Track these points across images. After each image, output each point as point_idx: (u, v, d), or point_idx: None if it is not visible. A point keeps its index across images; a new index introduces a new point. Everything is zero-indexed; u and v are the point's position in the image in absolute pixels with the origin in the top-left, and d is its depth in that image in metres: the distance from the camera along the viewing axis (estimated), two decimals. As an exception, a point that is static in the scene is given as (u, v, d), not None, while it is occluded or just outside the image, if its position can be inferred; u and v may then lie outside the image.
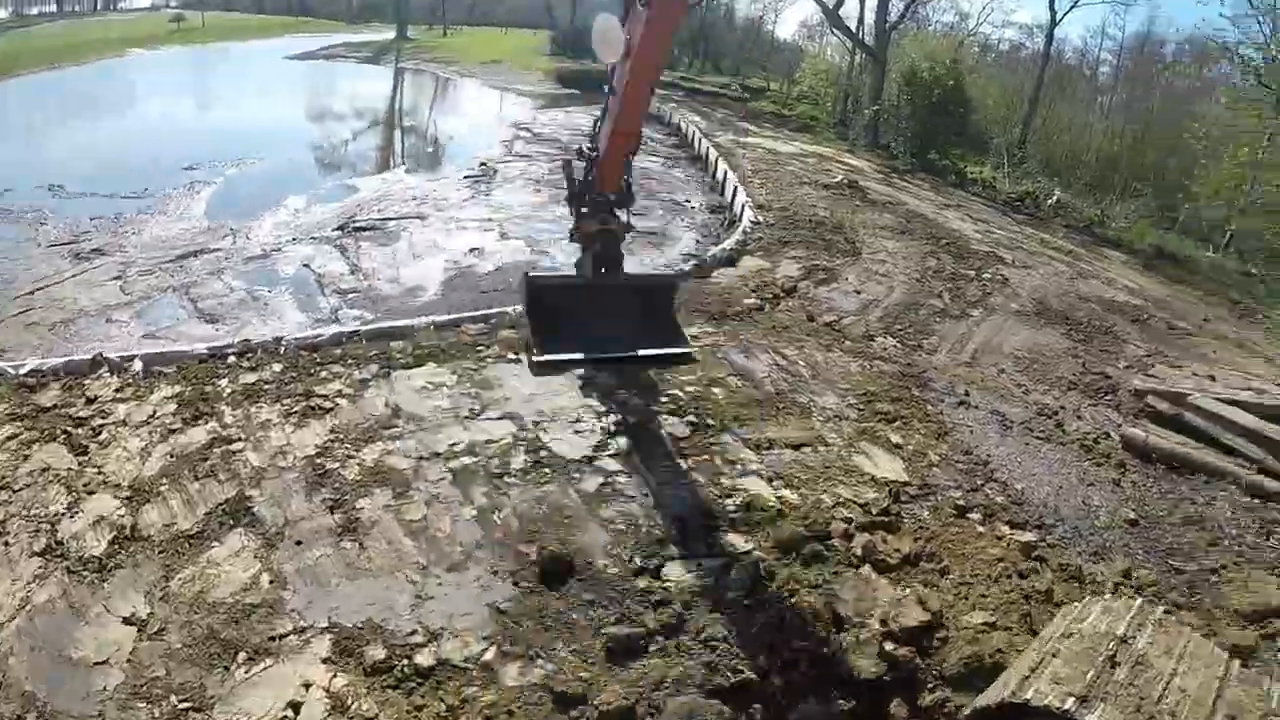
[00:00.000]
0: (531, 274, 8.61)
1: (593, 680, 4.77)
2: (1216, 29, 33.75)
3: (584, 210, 8.61)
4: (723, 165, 18.70)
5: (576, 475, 6.58)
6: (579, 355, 8.30)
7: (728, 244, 13.07)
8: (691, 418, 7.56)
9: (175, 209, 14.26)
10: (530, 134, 22.63)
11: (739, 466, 6.89)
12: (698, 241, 14.15)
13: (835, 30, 32.48)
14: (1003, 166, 26.04)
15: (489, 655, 4.85)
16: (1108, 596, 5.47)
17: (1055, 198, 22.41)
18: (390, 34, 52.45)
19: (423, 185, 16.85)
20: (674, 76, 35.12)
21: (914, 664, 5.13)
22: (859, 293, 11.62)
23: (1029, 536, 6.37)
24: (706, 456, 6.99)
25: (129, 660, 4.67)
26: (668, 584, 5.52)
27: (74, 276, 10.87)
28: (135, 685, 4.52)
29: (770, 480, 6.73)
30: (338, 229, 13.35)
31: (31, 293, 10.26)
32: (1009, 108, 29.56)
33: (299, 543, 5.63)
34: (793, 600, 5.43)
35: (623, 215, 8.59)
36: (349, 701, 4.49)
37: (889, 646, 5.19)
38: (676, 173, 19.95)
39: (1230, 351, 12.00)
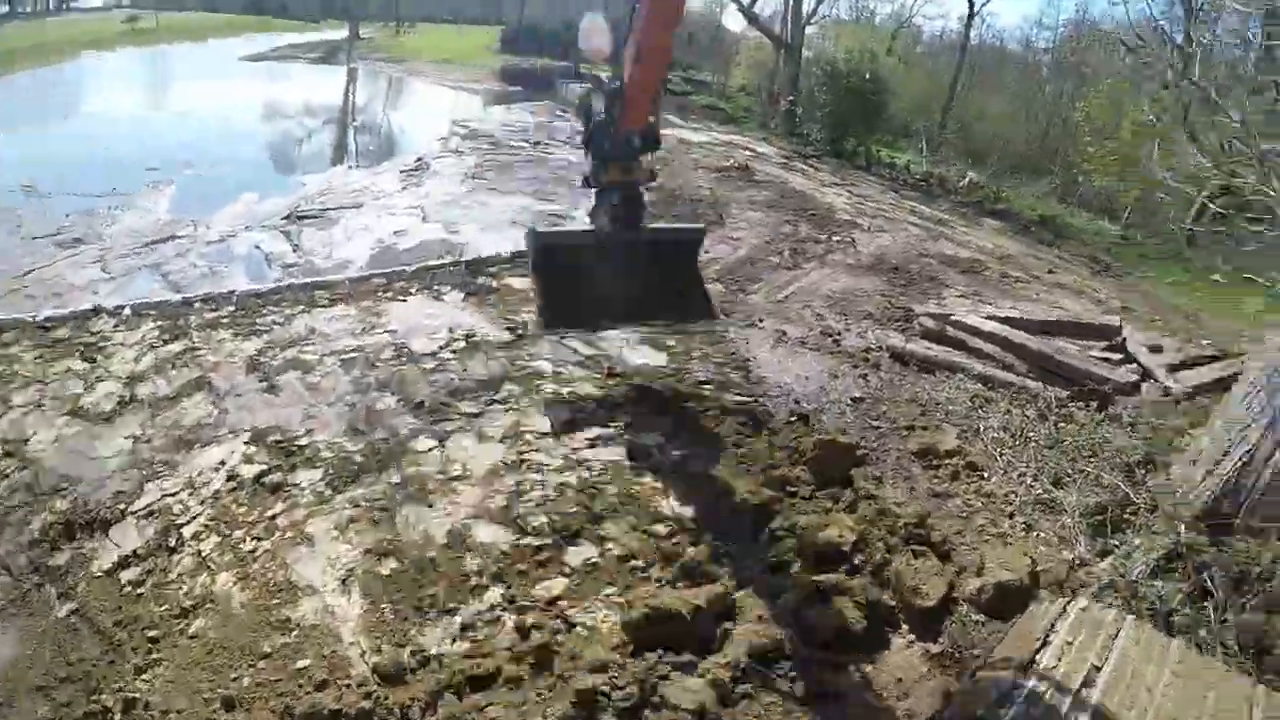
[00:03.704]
0: (538, 229, 7.95)
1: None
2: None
3: (601, 154, 7.50)
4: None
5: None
6: (587, 327, 8.40)
7: (609, 219, 15.11)
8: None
9: (143, 204, 16.00)
10: (467, 130, 24.43)
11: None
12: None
13: (751, 24, 34.50)
14: (922, 151, 28.02)
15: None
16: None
17: (968, 179, 24.26)
18: (344, 33, 51.72)
19: (363, 179, 18.80)
20: (608, 74, 36.68)
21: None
22: (707, 252, 13.46)
23: (748, 400, 8.31)
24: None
25: (130, 452, 7.45)
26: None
27: (61, 261, 12.70)
28: (134, 460, 7.30)
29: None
30: (284, 218, 15.23)
31: (25, 274, 12.03)
32: (931, 96, 31.58)
33: (238, 396, 8.34)
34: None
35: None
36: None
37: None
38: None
39: (1059, 294, 13.67)
